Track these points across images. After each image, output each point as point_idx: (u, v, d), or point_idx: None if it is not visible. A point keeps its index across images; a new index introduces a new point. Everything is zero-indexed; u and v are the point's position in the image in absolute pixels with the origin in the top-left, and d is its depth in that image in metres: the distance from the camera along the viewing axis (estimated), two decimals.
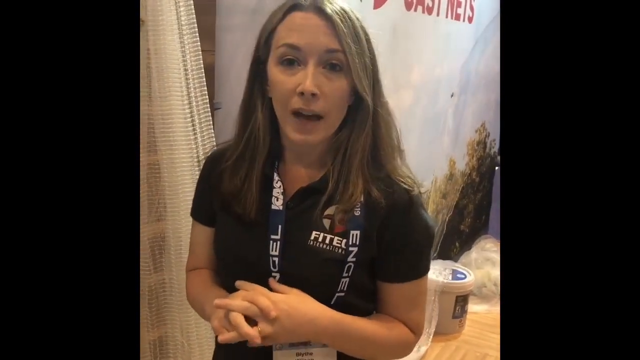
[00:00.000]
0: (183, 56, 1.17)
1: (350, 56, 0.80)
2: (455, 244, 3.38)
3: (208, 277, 0.96)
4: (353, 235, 0.85)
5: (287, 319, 0.79)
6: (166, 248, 1.27)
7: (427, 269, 0.92)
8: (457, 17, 2.73)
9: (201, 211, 0.97)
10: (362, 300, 0.89)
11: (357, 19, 0.84)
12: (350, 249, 0.85)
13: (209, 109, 1.26)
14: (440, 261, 2.93)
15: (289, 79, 0.81)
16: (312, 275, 0.85)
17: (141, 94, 1.15)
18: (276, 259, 0.85)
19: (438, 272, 2.76)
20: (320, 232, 0.85)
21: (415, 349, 2.59)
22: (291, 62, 0.81)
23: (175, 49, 1.15)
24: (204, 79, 1.22)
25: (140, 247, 1.23)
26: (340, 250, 0.85)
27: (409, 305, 0.91)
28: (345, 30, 0.80)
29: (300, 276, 0.85)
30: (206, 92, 1.24)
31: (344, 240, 0.85)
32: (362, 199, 0.85)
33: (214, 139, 1.27)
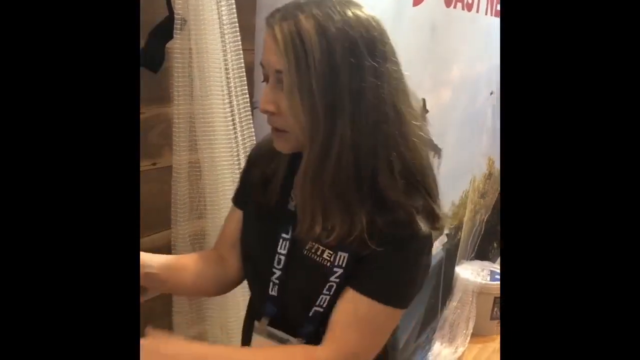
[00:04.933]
0: (224, 55, 1.17)
1: (288, 74, 0.76)
2: (493, 245, 3.32)
3: (192, 256, 1.01)
4: (340, 256, 0.82)
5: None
6: (206, 245, 1.28)
7: (398, 302, 0.83)
8: (497, 14, 2.68)
9: (238, 195, 1.00)
10: None
11: (321, 33, 0.75)
12: (335, 269, 0.82)
13: (249, 108, 1.27)
14: (478, 262, 2.89)
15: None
16: (298, 280, 0.86)
17: (182, 92, 1.16)
18: (282, 257, 0.86)
19: (476, 272, 2.72)
20: (316, 242, 0.84)
21: (452, 349, 2.57)
22: (266, 80, 0.81)
23: (217, 48, 1.16)
24: (245, 77, 1.22)
25: (181, 245, 1.25)
26: (327, 264, 0.83)
27: (355, 325, 0.82)
28: (285, 46, 0.75)
29: (290, 279, 0.87)
30: (247, 91, 1.24)
31: (333, 256, 0.82)
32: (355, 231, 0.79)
33: (254, 138, 1.28)
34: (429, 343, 2.55)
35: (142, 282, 0.89)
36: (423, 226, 0.79)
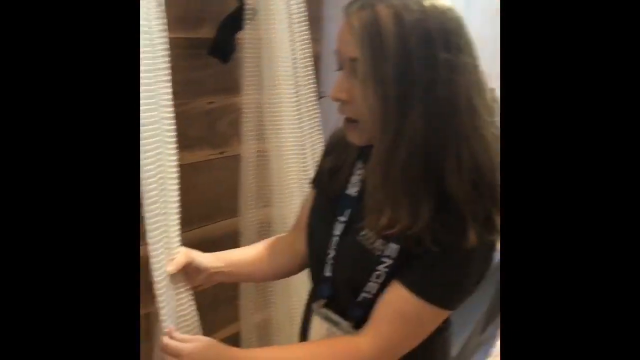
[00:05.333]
0: (292, 45, 1.18)
1: (365, 64, 0.75)
2: None
3: (262, 243, 1.06)
4: (392, 248, 0.81)
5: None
6: (272, 234, 1.30)
7: (445, 303, 0.82)
8: None
9: (315, 178, 1.02)
10: None
11: (397, 22, 0.74)
12: (384, 259, 0.82)
13: (316, 98, 1.27)
14: None
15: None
16: (349, 265, 0.87)
17: (251, 82, 1.18)
18: (336, 239, 0.88)
19: None
20: (372, 231, 0.83)
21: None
22: (340, 69, 0.81)
23: (285, 38, 1.17)
24: (312, 67, 1.22)
25: (248, 232, 1.27)
26: (377, 252, 0.83)
27: (392, 315, 0.82)
28: (361, 35, 0.75)
29: (341, 262, 0.88)
30: (313, 81, 1.25)
31: (384, 246, 0.82)
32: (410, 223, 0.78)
33: (320, 127, 1.28)
34: (493, 338, 2.50)
35: (204, 281, 0.97)
36: (478, 237, 0.77)
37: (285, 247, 1.04)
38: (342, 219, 0.89)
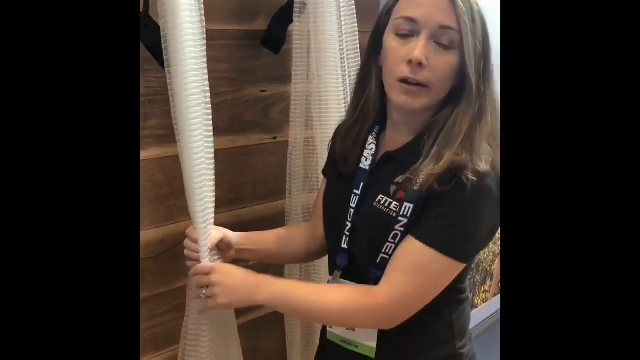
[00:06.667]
0: (340, 37, 1.22)
1: (464, 35, 0.83)
2: None
3: (291, 228, 1.19)
4: (406, 207, 0.88)
5: (227, 277, 0.96)
6: None
7: (454, 253, 0.87)
8: None
9: (326, 167, 1.11)
10: None
11: (477, 3, 0.85)
12: (400, 218, 0.88)
13: None
14: None
15: (401, 47, 0.87)
16: (367, 229, 0.93)
17: (300, 72, 1.24)
18: (352, 211, 0.95)
19: None
20: (385, 196, 0.91)
21: None
22: (406, 35, 0.87)
23: (334, 30, 1.21)
24: (359, 59, 1.26)
25: (294, 214, 1.34)
26: (392, 214, 0.89)
27: (406, 265, 0.88)
28: (463, 8, 0.83)
29: (359, 229, 0.94)
30: None
31: (399, 207, 0.88)
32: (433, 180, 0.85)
33: None
34: None
35: (232, 257, 1.07)
36: (482, 165, 0.85)
37: (307, 232, 1.11)
38: (357, 191, 0.96)
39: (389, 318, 0.90)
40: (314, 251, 1.13)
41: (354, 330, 0.97)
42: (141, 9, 0.99)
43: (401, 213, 0.88)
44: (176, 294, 1.20)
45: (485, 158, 0.86)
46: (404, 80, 0.87)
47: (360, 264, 0.96)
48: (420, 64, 0.85)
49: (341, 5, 1.21)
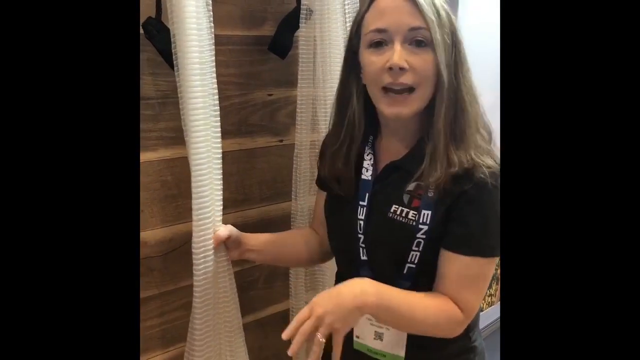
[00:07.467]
0: (345, 43, 1.25)
1: (432, 31, 0.86)
2: None
3: (296, 232, 1.22)
4: (424, 214, 0.90)
5: (327, 302, 0.83)
6: None
7: (492, 251, 0.90)
8: None
9: (319, 181, 1.12)
10: (432, 279, 0.93)
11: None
12: (420, 226, 0.90)
13: None
14: None
15: (378, 58, 0.89)
16: (388, 241, 0.94)
17: (305, 77, 1.27)
18: (362, 223, 0.96)
19: None
20: (399, 206, 0.93)
21: None
22: (379, 44, 0.89)
23: (339, 36, 1.24)
24: None
25: (300, 216, 1.36)
26: (412, 223, 0.91)
27: (464, 282, 0.91)
28: (426, 6, 0.86)
29: (378, 241, 0.95)
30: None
31: (417, 215, 0.90)
32: (443, 182, 0.88)
33: None
34: None
35: (238, 256, 1.09)
36: (488, 160, 0.88)
37: (309, 238, 1.14)
38: (363, 203, 0.96)
39: (463, 328, 0.95)
40: (317, 257, 1.16)
41: (382, 340, 0.99)
42: (154, 15, 1.02)
43: (421, 221, 0.90)
44: (184, 291, 1.23)
45: (485, 150, 0.90)
46: (389, 90, 0.89)
47: (386, 275, 0.94)
48: (401, 68, 0.87)
49: (347, 12, 1.24)
